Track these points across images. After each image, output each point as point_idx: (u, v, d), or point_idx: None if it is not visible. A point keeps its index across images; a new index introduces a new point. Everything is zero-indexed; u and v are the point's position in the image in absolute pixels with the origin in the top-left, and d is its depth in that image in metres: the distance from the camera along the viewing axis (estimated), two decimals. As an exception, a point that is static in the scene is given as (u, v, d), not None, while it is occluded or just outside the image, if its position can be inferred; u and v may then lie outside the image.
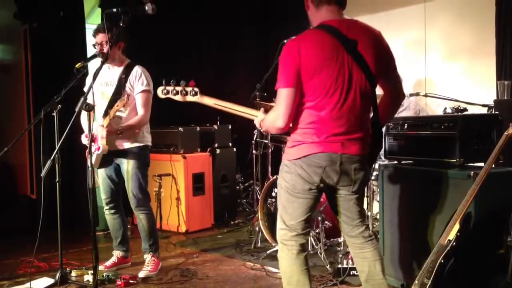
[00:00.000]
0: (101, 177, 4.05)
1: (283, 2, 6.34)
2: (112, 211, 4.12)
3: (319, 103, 2.48)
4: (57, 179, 3.46)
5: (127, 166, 3.94)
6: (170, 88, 2.83)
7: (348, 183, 2.59)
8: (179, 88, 2.82)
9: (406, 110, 4.97)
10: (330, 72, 2.45)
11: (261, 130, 3.36)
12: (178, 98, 2.84)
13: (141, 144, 3.98)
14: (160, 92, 2.85)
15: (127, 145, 3.94)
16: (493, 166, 2.69)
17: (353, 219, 2.68)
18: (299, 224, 2.60)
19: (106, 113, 3.83)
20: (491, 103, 4.00)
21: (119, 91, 3.89)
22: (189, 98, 2.82)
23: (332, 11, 2.55)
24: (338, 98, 2.47)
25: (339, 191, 2.63)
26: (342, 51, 2.46)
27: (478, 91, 4.77)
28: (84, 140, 3.91)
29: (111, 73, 3.97)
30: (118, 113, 3.78)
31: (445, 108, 3.49)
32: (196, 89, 2.80)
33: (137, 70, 3.94)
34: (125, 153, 3.95)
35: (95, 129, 3.76)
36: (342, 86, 2.47)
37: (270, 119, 2.57)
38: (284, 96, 2.48)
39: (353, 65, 2.47)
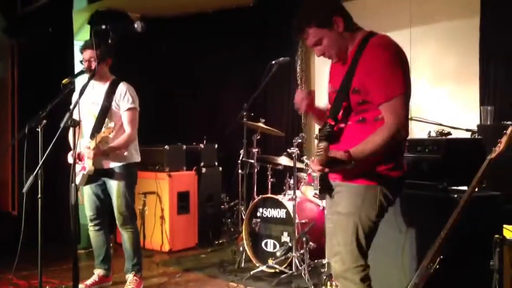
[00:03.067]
0: (87, 194, 4.01)
1: (274, 22, 6.38)
2: (97, 227, 4.07)
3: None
4: (39, 195, 3.42)
5: (114, 184, 3.91)
6: None
7: None
8: None
9: None
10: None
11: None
12: None
13: (128, 162, 3.95)
14: None
15: (113, 164, 3.91)
16: (476, 190, 2.71)
17: None
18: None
19: (93, 135, 3.81)
20: (475, 127, 4.06)
21: (105, 110, 3.87)
22: None
23: None
24: None
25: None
26: None
27: (462, 116, 4.83)
28: (70, 159, 3.85)
29: (97, 92, 3.95)
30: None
31: (429, 132, 3.53)
32: None
33: (122, 88, 3.92)
34: (111, 172, 3.92)
35: (82, 148, 3.73)
36: None
37: (385, 134, 2.16)
38: (402, 102, 2.16)
39: None
